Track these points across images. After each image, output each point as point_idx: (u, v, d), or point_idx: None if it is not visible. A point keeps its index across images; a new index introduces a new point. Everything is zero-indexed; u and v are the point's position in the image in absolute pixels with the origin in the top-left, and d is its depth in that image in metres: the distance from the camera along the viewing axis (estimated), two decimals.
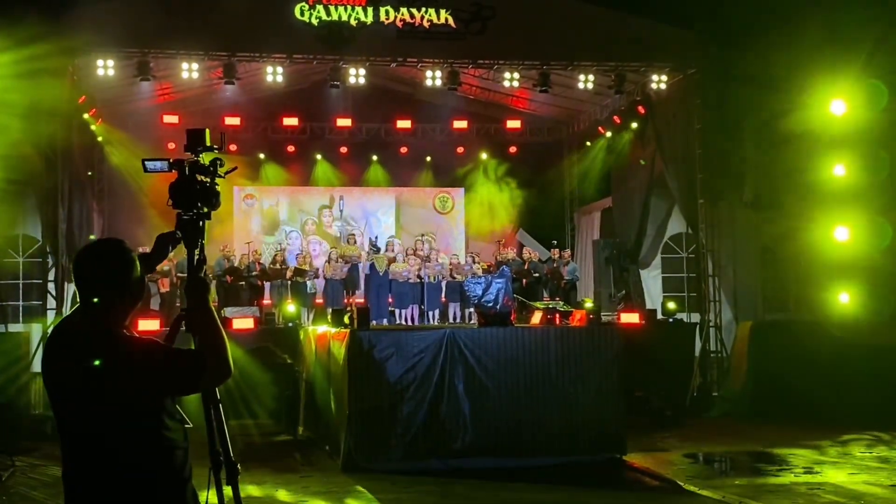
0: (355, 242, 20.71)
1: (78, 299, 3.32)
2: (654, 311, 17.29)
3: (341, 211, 22.90)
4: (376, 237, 21.56)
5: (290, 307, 17.10)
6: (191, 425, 3.36)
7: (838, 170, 15.53)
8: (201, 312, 3.40)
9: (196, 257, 3.59)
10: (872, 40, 14.53)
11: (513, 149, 22.94)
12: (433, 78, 17.22)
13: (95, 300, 3.24)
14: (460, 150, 22.90)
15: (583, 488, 10.31)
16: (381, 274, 19.29)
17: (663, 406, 14.69)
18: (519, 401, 11.01)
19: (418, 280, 19.29)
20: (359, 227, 22.81)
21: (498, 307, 11.63)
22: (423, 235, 22.26)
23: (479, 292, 11.73)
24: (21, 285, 16.34)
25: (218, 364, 3.29)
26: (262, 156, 21.97)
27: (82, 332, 3.21)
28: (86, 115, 16.94)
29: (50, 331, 3.64)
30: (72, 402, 3.18)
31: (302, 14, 15.79)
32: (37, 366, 13.42)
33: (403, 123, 21.45)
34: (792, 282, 17.03)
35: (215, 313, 3.42)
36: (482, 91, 20.92)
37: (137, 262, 3.33)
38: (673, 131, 17.61)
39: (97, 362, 3.10)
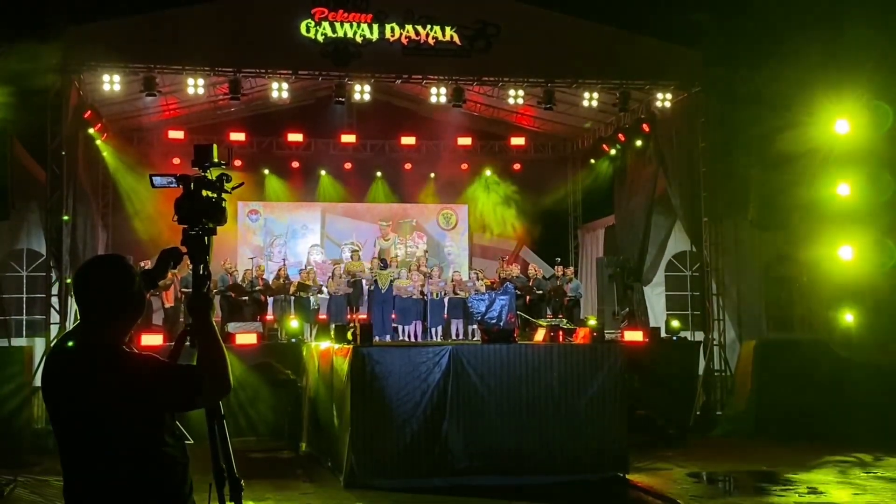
0: (359, 258, 20.68)
1: (78, 315, 3.31)
2: (658, 329, 17.26)
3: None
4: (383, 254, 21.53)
5: (293, 323, 17.07)
6: (191, 441, 3.35)
7: (842, 189, 15.53)
8: (202, 328, 3.40)
9: (200, 273, 3.59)
10: (874, 60, 14.57)
11: (517, 166, 22.97)
12: (438, 95, 17.26)
13: (95, 316, 3.24)
14: (464, 166, 22.92)
15: None
16: (383, 290, 19.27)
17: (666, 425, 14.63)
18: (521, 418, 10.97)
19: (421, 296, 19.26)
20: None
21: (501, 324, 11.65)
22: (425, 252, 22.24)
23: (483, 309, 11.76)
24: (25, 299, 16.38)
25: (217, 380, 3.29)
26: (266, 171, 22.02)
27: (82, 349, 3.20)
28: (91, 130, 16.96)
29: (51, 347, 3.63)
30: (71, 417, 3.18)
31: (307, 30, 15.86)
32: (39, 380, 13.40)
33: (408, 140, 21.52)
34: (796, 301, 16.99)
35: (216, 329, 3.41)
36: (487, 108, 20.97)
37: (138, 278, 3.33)
38: (677, 149, 17.61)
39: (96, 379, 3.10)
